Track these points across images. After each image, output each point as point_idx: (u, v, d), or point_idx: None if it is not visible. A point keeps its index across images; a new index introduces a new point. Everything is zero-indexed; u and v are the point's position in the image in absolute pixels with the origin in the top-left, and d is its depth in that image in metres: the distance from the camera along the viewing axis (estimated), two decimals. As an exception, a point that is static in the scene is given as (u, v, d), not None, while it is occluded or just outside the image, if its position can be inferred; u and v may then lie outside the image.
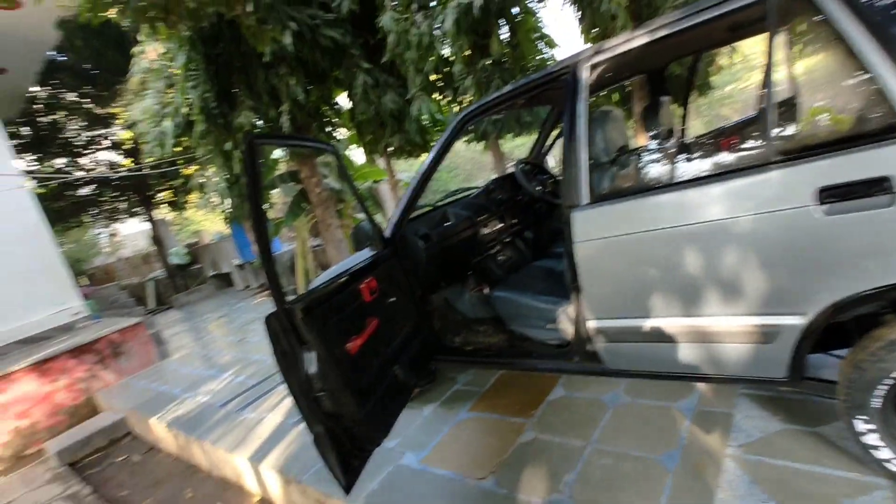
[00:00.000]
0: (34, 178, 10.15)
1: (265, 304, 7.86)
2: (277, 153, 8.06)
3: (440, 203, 3.06)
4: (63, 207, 11.75)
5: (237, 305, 8.68)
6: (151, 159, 7.99)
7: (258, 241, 1.57)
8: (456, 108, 5.78)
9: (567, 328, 2.21)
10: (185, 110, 6.08)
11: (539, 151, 3.39)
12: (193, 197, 13.10)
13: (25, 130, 10.44)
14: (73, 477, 3.90)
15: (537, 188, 2.96)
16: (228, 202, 8.05)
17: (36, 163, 11.26)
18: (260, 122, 5.89)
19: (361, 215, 8.17)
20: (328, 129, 6.36)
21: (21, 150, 10.52)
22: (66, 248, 16.62)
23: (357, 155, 8.71)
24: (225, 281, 11.38)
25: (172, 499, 3.14)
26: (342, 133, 7.78)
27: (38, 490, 3.87)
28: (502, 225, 3.05)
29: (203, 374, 4.86)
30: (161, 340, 6.78)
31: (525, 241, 3.27)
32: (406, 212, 2.41)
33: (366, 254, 2.34)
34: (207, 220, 16.26)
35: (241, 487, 2.96)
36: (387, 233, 2.41)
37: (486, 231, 2.94)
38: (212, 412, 3.72)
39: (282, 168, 8.14)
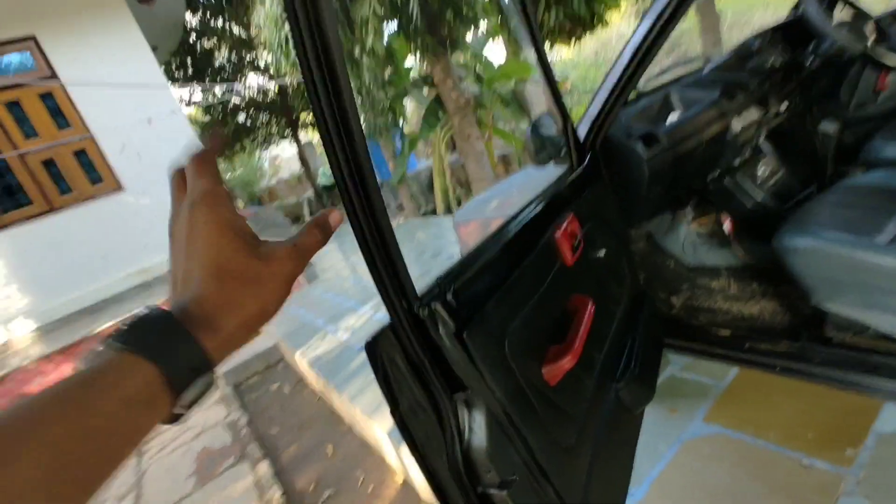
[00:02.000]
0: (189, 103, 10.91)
1: (407, 225, 7.53)
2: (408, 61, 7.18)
3: (656, 87, 1.88)
4: (226, 134, 12.70)
5: (378, 226, 8.55)
6: (286, 74, 7.74)
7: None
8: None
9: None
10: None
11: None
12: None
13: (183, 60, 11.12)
14: (235, 401, 3.98)
15: (855, 37, 1.60)
16: (363, 118, 7.57)
17: (197, 91, 12.12)
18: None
19: (505, 126, 7.05)
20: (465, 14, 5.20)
21: (182, 80, 11.33)
22: (238, 173, 18.66)
23: (496, 52, 7.40)
24: (366, 201, 11.46)
25: (314, 451, 2.86)
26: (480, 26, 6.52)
27: (207, 410, 4.04)
28: (768, 113, 1.77)
29: (344, 304, 4.60)
30: (309, 262, 6.90)
31: (819, 140, 1.93)
32: (612, 103, 1.34)
33: (547, 173, 1.36)
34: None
35: (382, 458, 2.50)
36: (581, 135, 1.39)
37: (737, 126, 1.71)
38: (350, 356, 3.35)
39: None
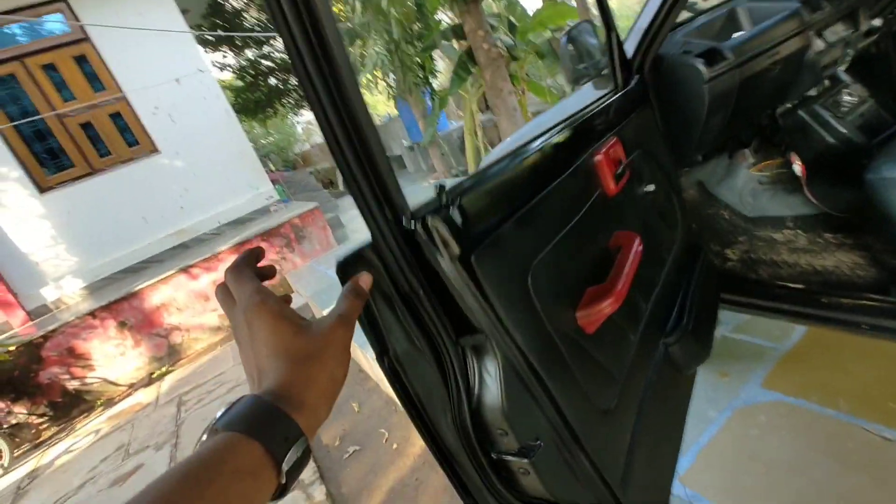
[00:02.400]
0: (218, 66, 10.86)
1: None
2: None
3: (718, 3, 1.60)
4: (259, 98, 12.71)
5: (409, 188, 8.41)
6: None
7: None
8: None
9: None
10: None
11: None
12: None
13: (214, 23, 11.02)
14: (266, 358, 4.04)
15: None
16: (391, 77, 7.34)
17: (230, 55, 12.07)
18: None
19: (541, 80, 6.67)
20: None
21: (212, 45, 11.28)
22: (272, 138, 18.77)
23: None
24: (397, 163, 11.31)
25: (341, 407, 2.84)
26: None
27: (241, 366, 4.13)
28: (857, 31, 1.47)
29: (373, 264, 4.54)
30: (340, 224, 6.88)
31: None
32: (666, 12, 1.11)
33: (589, 95, 1.16)
34: (378, 101, 16.31)
35: (408, 420, 2.44)
36: (628, 52, 1.17)
37: (819, 45, 1.43)
38: (377, 314, 3.29)
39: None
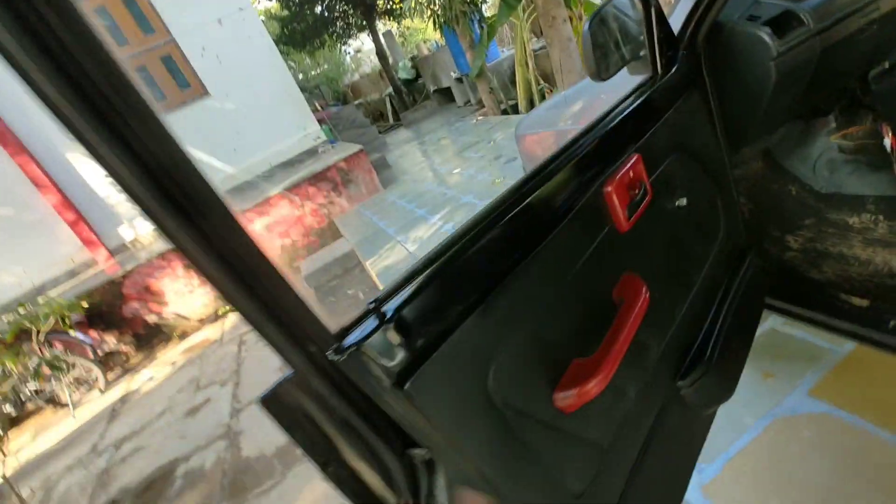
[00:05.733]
0: None
1: (485, 124, 7.04)
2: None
3: None
4: (305, 28, 12.37)
5: (456, 125, 8.11)
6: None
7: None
8: None
9: None
10: None
11: None
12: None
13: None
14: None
15: None
16: (437, 3, 6.83)
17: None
18: None
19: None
20: None
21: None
22: (321, 70, 18.47)
23: None
24: (446, 96, 10.84)
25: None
26: None
27: (293, 309, 4.38)
28: None
29: (415, 213, 4.51)
30: (386, 164, 6.82)
31: None
32: None
33: (620, 84, 0.98)
34: (427, 29, 15.41)
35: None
36: (674, 26, 0.97)
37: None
38: (416, 270, 3.31)
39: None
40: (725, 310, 0.94)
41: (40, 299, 4.62)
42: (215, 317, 5.31)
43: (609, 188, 0.69)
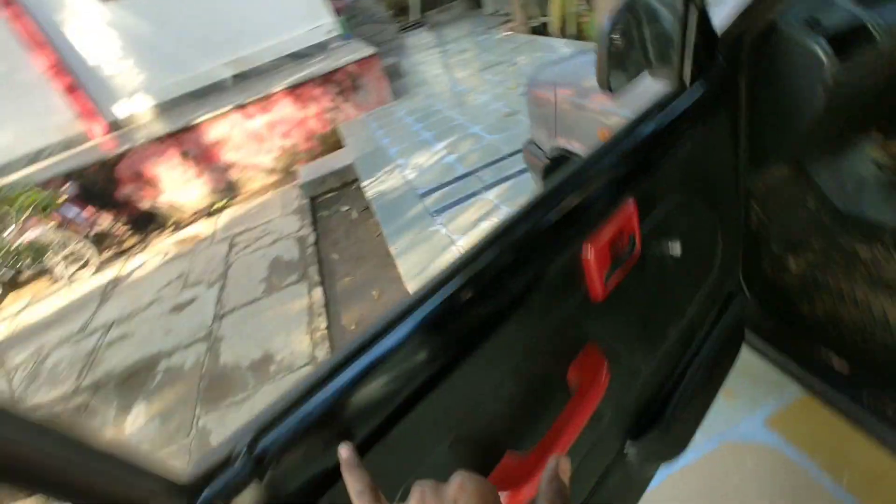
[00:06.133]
0: None
1: (511, 41, 6.46)
2: None
3: None
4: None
5: (481, 37, 7.45)
6: None
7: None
8: None
9: None
10: None
11: None
12: None
13: None
14: (308, 216, 4.18)
15: None
16: None
17: None
18: None
19: None
20: None
21: None
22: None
23: None
24: (474, 2, 9.87)
25: (363, 290, 2.98)
26: None
27: (286, 217, 4.33)
28: None
29: (421, 136, 4.28)
30: (400, 72, 6.37)
31: None
32: None
33: (630, 100, 0.82)
34: None
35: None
36: (717, 21, 0.78)
37: None
38: (410, 201, 3.20)
39: None
40: (697, 362, 0.88)
41: (20, 175, 4.54)
42: (209, 211, 5.28)
43: (589, 256, 0.59)
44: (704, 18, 0.74)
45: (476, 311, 0.50)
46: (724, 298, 0.99)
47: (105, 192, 5.03)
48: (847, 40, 0.79)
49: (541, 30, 6.44)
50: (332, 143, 5.49)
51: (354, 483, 0.36)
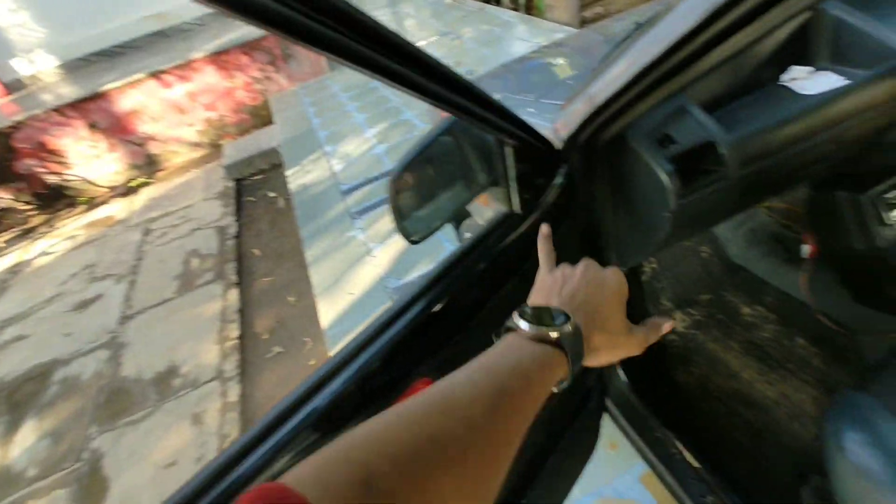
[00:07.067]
0: None
1: (459, 8, 6.13)
2: None
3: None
4: None
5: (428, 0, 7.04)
6: None
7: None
8: None
9: None
10: None
11: None
12: None
13: None
14: (232, 202, 3.93)
15: None
16: None
17: None
18: None
19: None
20: None
21: None
22: None
23: None
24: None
25: (280, 293, 2.84)
26: None
27: (208, 202, 4.05)
28: None
29: (353, 118, 4.04)
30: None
31: None
32: (634, 97, 0.62)
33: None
34: None
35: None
36: (559, 133, 0.70)
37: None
38: (332, 197, 3.03)
39: None
40: (551, 461, 0.86)
41: None
42: (127, 189, 4.87)
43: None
44: (530, 147, 0.65)
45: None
46: (581, 398, 0.95)
47: (2, 164, 4.52)
48: (689, 163, 0.73)
49: (524, 6, 6.14)
50: (263, 116, 5.12)
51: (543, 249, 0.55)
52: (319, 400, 0.51)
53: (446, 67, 0.47)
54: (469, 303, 0.64)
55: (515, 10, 5.62)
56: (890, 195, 1.00)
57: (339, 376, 0.53)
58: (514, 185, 0.65)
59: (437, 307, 0.60)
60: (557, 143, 0.70)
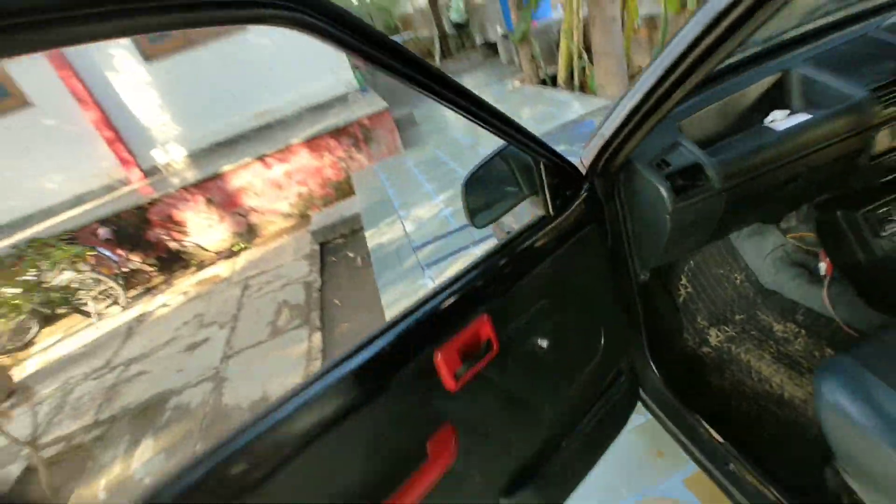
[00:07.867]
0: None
1: (519, 92, 6.80)
2: None
3: (755, 53, 1.20)
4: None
5: (494, 87, 7.84)
6: None
7: None
8: None
9: None
10: None
11: None
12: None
13: None
14: (317, 262, 4.47)
15: None
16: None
17: None
18: None
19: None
20: None
21: None
22: (375, -3, 17.66)
23: None
24: (492, 50, 10.37)
25: (358, 337, 3.18)
26: None
27: (297, 262, 4.62)
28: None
29: (423, 188, 4.56)
30: (413, 121, 6.76)
31: None
32: (634, 125, 0.89)
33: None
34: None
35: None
36: (583, 163, 0.99)
37: (886, 143, 1.08)
38: (405, 254, 3.43)
39: None
40: (578, 431, 1.04)
41: (65, 217, 4.99)
42: (230, 252, 5.64)
43: (438, 359, 0.78)
44: (557, 166, 0.94)
45: (350, 393, 0.70)
46: (612, 378, 1.15)
47: (137, 234, 5.47)
48: (682, 180, 0.99)
49: (549, 81, 6.78)
50: (345, 190, 5.85)
51: None
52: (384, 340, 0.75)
53: (504, 114, 0.79)
54: (513, 273, 0.91)
55: (571, 91, 6.16)
56: (881, 211, 1.18)
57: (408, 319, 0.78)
58: (547, 194, 0.94)
59: (491, 275, 0.88)
60: (582, 170, 0.99)
